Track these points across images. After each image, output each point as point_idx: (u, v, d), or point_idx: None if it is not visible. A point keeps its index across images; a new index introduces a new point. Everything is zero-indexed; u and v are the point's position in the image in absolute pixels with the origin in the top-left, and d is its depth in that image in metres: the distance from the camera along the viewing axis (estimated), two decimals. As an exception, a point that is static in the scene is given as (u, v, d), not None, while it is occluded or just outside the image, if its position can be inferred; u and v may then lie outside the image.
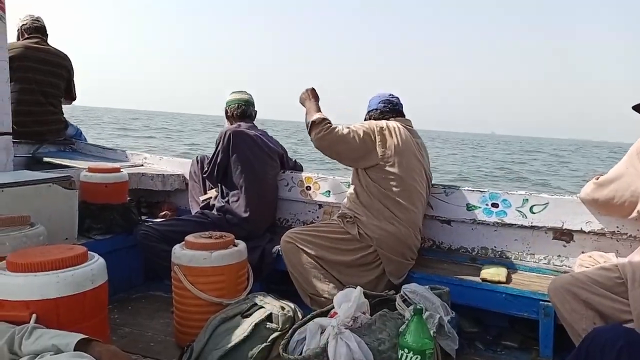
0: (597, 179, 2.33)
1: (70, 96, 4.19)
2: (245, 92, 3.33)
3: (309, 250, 2.53)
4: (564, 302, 2.02)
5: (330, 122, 2.62)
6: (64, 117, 4.14)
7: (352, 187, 2.72)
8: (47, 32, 3.97)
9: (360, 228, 2.54)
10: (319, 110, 2.70)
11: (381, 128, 2.62)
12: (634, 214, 2.18)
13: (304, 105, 2.76)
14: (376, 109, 2.80)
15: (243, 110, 3.24)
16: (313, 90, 2.78)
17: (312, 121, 2.62)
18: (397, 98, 2.83)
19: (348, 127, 2.62)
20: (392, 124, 2.66)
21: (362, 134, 2.58)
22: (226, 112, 3.29)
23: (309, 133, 2.65)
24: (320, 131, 2.59)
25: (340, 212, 2.72)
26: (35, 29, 3.90)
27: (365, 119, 2.84)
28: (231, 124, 3.23)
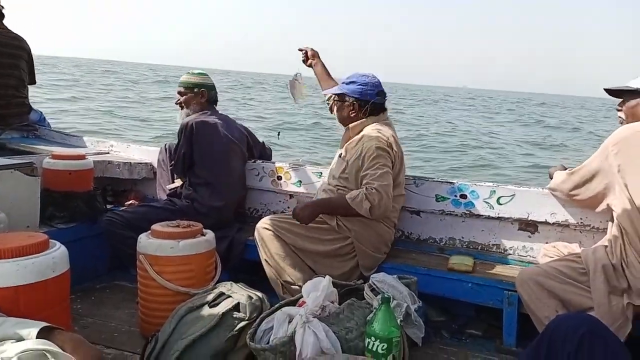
0: (570, 170, 2.34)
1: (32, 80, 4.06)
2: (205, 74, 3.20)
3: (285, 238, 2.49)
4: (529, 291, 2.07)
5: (366, 192, 2.38)
6: (28, 102, 4.02)
7: (336, 181, 2.61)
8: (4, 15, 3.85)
9: (339, 219, 2.52)
10: (330, 197, 2.57)
11: (390, 146, 2.53)
12: (603, 206, 2.20)
13: (317, 214, 2.50)
14: (372, 102, 2.61)
15: (212, 96, 3.15)
16: (306, 207, 2.50)
17: (370, 208, 2.37)
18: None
19: (383, 170, 2.43)
20: (387, 133, 2.57)
21: (391, 167, 2.49)
22: (204, 95, 3.10)
23: (370, 215, 2.41)
24: (380, 205, 2.37)
25: None
26: None
27: (355, 105, 2.62)
28: (202, 109, 3.09)
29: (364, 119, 2.63)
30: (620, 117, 2.21)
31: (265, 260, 2.54)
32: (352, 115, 2.65)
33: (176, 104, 3.16)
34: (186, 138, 2.93)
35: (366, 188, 2.40)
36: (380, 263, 2.57)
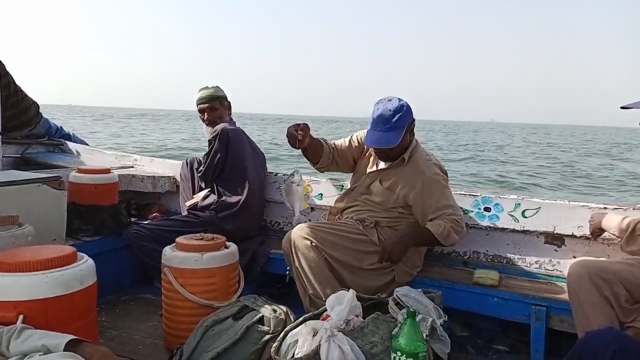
0: None
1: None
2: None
3: (324, 248, 2.38)
4: (587, 293, 1.90)
5: (452, 225, 2.38)
6: (30, 106, 4.06)
7: (386, 212, 2.53)
8: None
9: (381, 234, 2.49)
10: (415, 231, 2.47)
11: (445, 171, 2.59)
12: None
13: (407, 250, 2.44)
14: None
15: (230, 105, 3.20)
16: (397, 244, 2.41)
17: (454, 235, 2.41)
18: None
19: (454, 199, 2.50)
20: (433, 156, 2.62)
21: None
22: (228, 108, 3.15)
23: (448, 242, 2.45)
24: (460, 235, 2.43)
25: (356, 216, 2.58)
26: None
27: (409, 130, 2.47)
28: (224, 120, 3.12)
29: (412, 141, 2.52)
30: None
31: (298, 268, 2.41)
32: (410, 141, 2.52)
33: (208, 121, 3.12)
34: (222, 145, 2.95)
35: (452, 221, 2.39)
36: (412, 279, 2.52)
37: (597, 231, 2.25)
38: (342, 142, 2.72)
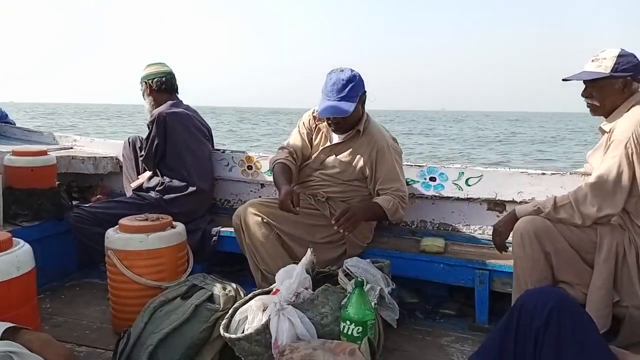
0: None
1: None
2: (164, 64, 3.07)
3: (275, 223, 2.38)
4: (530, 247, 1.98)
5: (400, 202, 2.44)
6: None
7: (345, 186, 2.54)
8: None
9: (332, 208, 2.50)
10: (373, 206, 2.46)
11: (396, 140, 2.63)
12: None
13: (366, 217, 2.44)
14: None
15: (168, 81, 3.00)
16: (356, 215, 2.35)
17: (401, 211, 2.47)
18: None
19: (402, 174, 2.54)
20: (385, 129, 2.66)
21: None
22: (149, 86, 2.98)
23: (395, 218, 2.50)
24: (405, 211, 2.51)
25: (309, 191, 2.57)
26: None
27: (362, 100, 2.46)
28: (156, 100, 3.00)
29: (364, 113, 2.51)
30: (593, 104, 2.09)
31: (249, 244, 2.41)
32: (362, 113, 2.50)
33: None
34: (159, 130, 2.85)
35: (399, 197, 2.45)
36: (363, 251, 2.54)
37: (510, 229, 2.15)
38: (294, 141, 2.65)
